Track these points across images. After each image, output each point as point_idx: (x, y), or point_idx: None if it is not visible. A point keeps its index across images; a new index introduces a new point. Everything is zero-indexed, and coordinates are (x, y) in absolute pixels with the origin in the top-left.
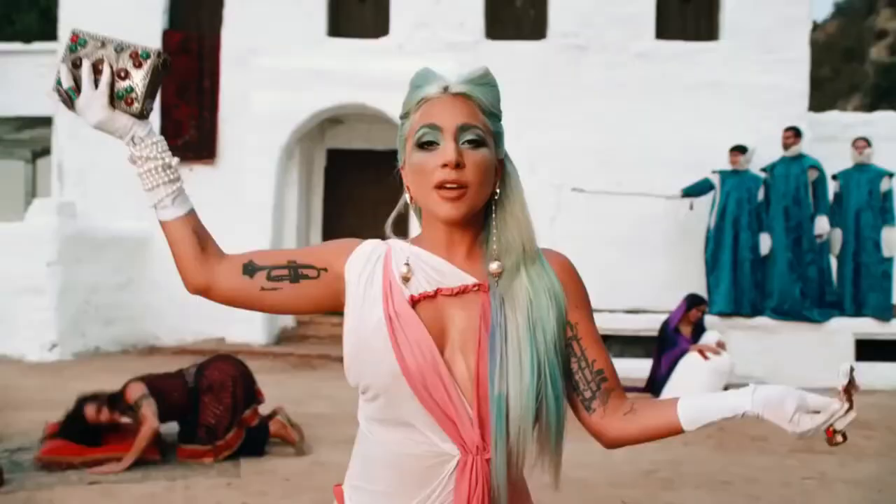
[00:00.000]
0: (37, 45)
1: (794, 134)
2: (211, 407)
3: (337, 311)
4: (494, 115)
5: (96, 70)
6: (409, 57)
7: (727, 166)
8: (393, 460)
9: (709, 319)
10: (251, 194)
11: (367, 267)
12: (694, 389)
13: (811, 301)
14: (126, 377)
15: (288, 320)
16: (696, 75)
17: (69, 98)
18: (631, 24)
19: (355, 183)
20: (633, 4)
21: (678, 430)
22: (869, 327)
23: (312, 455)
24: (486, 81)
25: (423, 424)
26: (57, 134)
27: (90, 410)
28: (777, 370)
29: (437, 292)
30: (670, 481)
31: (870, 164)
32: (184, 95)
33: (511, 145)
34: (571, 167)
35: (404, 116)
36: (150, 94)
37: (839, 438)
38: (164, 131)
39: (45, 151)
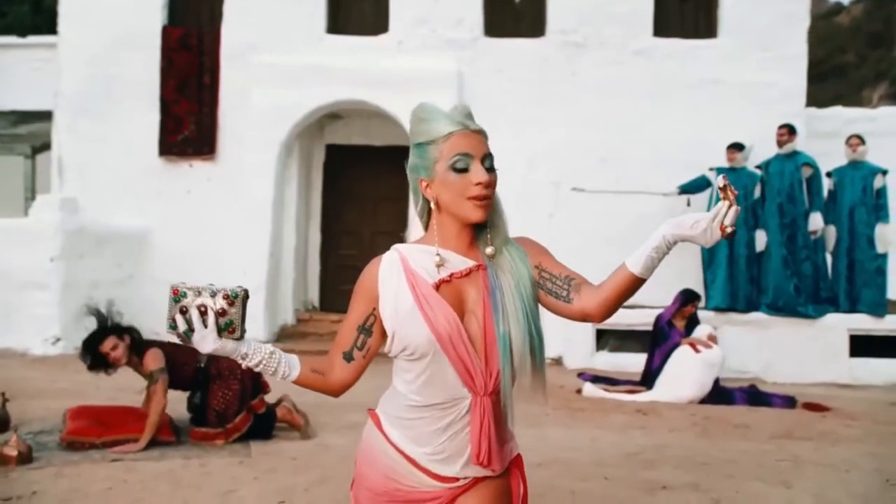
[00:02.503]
0: (32, 39)
1: (788, 131)
2: (220, 393)
3: None
4: None
5: (201, 313)
6: (409, 54)
7: (725, 164)
8: (424, 410)
9: (703, 314)
10: (251, 190)
11: (392, 271)
12: (686, 381)
13: (806, 297)
14: (127, 372)
15: (288, 317)
16: (694, 73)
17: (186, 337)
18: (629, 21)
19: (354, 178)
20: (632, 2)
21: (635, 278)
22: (863, 323)
23: (317, 439)
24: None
25: (446, 378)
26: (57, 129)
27: (108, 342)
28: (772, 365)
29: (451, 276)
30: (652, 462)
31: (864, 160)
32: (184, 91)
33: (510, 143)
34: (570, 165)
35: (429, 143)
36: (243, 321)
37: (729, 230)
38: (164, 127)
39: (45, 147)
